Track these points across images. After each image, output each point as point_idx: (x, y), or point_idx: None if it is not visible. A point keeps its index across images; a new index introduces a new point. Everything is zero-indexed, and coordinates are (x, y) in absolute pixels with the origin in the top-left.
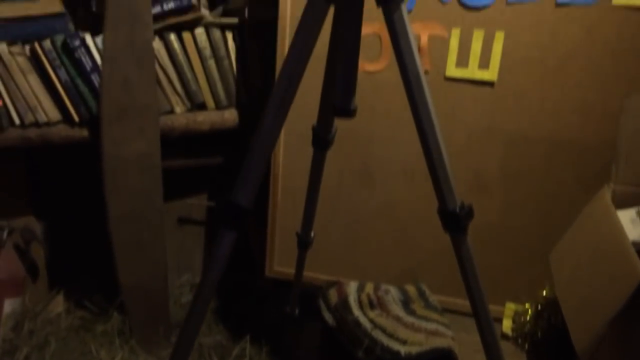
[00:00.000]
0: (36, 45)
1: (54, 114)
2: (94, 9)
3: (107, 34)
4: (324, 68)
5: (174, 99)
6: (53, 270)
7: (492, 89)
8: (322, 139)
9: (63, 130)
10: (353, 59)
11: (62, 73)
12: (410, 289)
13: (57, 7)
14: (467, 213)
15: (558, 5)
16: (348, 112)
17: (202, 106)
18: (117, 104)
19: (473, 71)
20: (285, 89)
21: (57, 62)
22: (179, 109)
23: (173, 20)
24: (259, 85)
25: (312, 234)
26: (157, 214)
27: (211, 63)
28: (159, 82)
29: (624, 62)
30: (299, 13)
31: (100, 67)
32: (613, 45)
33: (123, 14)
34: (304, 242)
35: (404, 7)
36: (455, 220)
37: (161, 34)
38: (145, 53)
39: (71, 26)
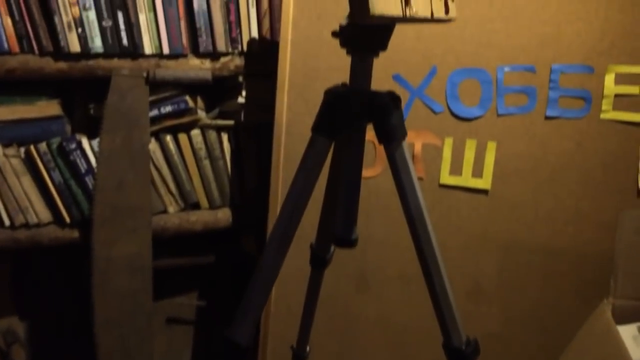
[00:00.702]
0: (32, 148)
1: (45, 215)
2: (91, 112)
3: (104, 137)
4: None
5: (167, 198)
6: None
7: (486, 197)
8: (320, 258)
9: (53, 232)
10: (354, 191)
11: (56, 175)
12: None
13: (55, 110)
14: (474, 350)
15: (547, 118)
16: (349, 242)
17: (195, 206)
18: (110, 205)
19: (467, 179)
20: (287, 225)
21: (52, 164)
22: (172, 208)
23: (170, 122)
24: (254, 186)
25: (308, 349)
26: (145, 316)
27: (206, 163)
28: (153, 182)
29: (614, 173)
30: (295, 117)
31: (95, 169)
32: (603, 157)
33: (121, 118)
34: (299, 358)
35: (405, 145)
36: (461, 358)
37: (157, 135)
38: (141, 155)
39: (68, 128)
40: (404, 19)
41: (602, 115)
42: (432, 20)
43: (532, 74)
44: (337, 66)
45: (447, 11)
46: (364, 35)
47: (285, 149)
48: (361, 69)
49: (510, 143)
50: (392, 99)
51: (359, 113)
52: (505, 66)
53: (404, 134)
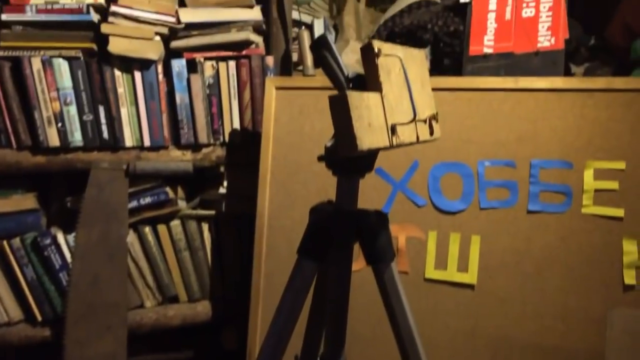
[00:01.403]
0: (4, 244)
1: (16, 313)
2: (68, 205)
3: (80, 231)
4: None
5: (144, 292)
6: None
7: (473, 292)
8: None
9: (24, 330)
10: (342, 314)
11: (29, 271)
12: None
13: (31, 204)
14: None
15: (530, 212)
16: None
17: (174, 299)
18: (84, 301)
19: (452, 274)
20: (275, 346)
21: (25, 260)
22: (149, 302)
23: (149, 214)
24: (235, 279)
25: None
26: None
27: (185, 255)
28: (130, 275)
29: (600, 268)
30: (277, 210)
31: (70, 265)
32: (587, 252)
33: (99, 211)
34: None
35: (394, 266)
36: None
37: (136, 226)
38: (118, 249)
39: (44, 221)
40: (391, 147)
41: (584, 210)
42: (417, 142)
43: (512, 168)
44: None
45: (431, 133)
46: (350, 160)
47: (268, 242)
48: (347, 190)
49: (495, 237)
50: (379, 219)
51: (346, 234)
52: (486, 161)
53: (392, 255)
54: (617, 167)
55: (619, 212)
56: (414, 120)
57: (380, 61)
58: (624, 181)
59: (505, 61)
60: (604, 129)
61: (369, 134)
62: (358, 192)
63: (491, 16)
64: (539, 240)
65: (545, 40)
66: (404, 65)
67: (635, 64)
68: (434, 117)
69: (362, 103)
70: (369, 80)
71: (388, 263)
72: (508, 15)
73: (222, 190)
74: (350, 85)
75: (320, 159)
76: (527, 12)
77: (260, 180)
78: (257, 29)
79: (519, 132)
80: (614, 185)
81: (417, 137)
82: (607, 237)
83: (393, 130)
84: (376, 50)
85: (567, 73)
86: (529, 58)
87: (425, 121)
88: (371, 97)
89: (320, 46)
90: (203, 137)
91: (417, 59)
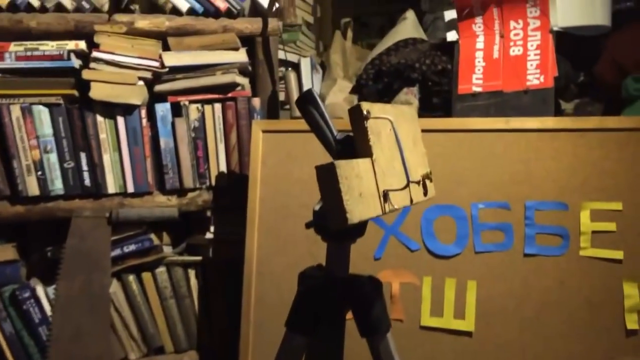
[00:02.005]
0: None
1: None
2: (49, 255)
3: (61, 283)
4: None
5: (129, 344)
6: None
7: (470, 339)
8: None
9: None
10: None
11: (7, 326)
12: None
13: (10, 255)
14: None
15: (526, 255)
16: None
17: (159, 350)
18: (66, 356)
19: (449, 321)
20: None
21: (3, 314)
22: (134, 355)
23: (133, 262)
24: (223, 327)
25: None
26: None
27: (171, 303)
28: (113, 327)
29: (601, 313)
30: (266, 256)
31: (50, 319)
32: (587, 296)
33: (80, 261)
34: None
35: (390, 337)
36: None
37: (119, 275)
38: (101, 300)
39: (23, 272)
40: (383, 214)
41: (582, 253)
42: (411, 205)
43: (507, 210)
44: (308, 203)
45: (425, 193)
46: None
47: (257, 289)
48: (338, 256)
49: (491, 282)
50: (373, 287)
51: (338, 304)
52: (479, 203)
53: (388, 326)
54: (614, 208)
55: (618, 254)
56: (407, 186)
57: (370, 124)
58: (621, 222)
59: (494, 100)
60: (598, 169)
61: (360, 204)
62: (349, 257)
63: (479, 55)
64: (537, 284)
65: (534, 78)
66: (395, 127)
67: (627, 102)
68: (428, 176)
69: (352, 172)
70: (358, 145)
71: (383, 334)
72: (496, 54)
73: (209, 235)
74: (339, 147)
75: (308, 225)
76: (515, 51)
77: (248, 225)
78: (242, 70)
79: (512, 173)
80: (611, 226)
81: (411, 200)
82: (606, 280)
83: (385, 197)
84: (365, 112)
85: (557, 109)
86: (518, 96)
87: (418, 182)
88: (361, 164)
89: (306, 102)
90: (189, 181)
91: (407, 116)
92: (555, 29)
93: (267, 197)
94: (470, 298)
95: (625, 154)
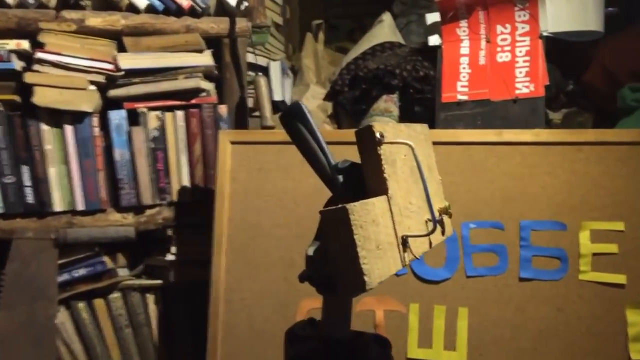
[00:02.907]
0: None
1: None
2: None
3: (1, 314)
4: None
5: None
6: None
7: None
8: None
9: None
10: None
11: None
12: None
13: None
14: None
15: (522, 279)
16: None
17: None
18: None
19: (438, 353)
20: None
21: None
22: None
23: (84, 288)
24: (187, 356)
25: None
26: None
27: (127, 332)
28: None
29: (602, 342)
30: (235, 281)
31: None
32: (588, 323)
33: (22, 289)
34: None
35: None
36: None
37: (68, 303)
38: (46, 332)
39: None
40: (403, 267)
41: (581, 277)
42: (430, 249)
43: (500, 230)
44: (282, 223)
45: (443, 232)
46: None
47: (224, 318)
48: (338, 312)
49: (484, 309)
50: (380, 350)
51: None
52: (470, 222)
53: None
54: (616, 228)
55: (621, 279)
56: (434, 230)
57: (384, 150)
58: (623, 244)
59: (481, 109)
60: (597, 185)
61: (379, 260)
62: (351, 313)
63: (464, 60)
64: (533, 311)
65: (523, 86)
66: (416, 154)
67: (623, 113)
68: (446, 211)
69: (367, 218)
70: (369, 178)
71: None
72: (482, 60)
73: (170, 256)
74: (339, 178)
75: (302, 278)
76: (503, 57)
77: (215, 246)
78: (208, 75)
79: (505, 189)
80: (613, 248)
81: (430, 244)
82: (608, 306)
83: (405, 244)
84: (378, 136)
85: (545, 119)
86: (506, 106)
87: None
88: (377, 205)
89: (293, 118)
90: (147, 197)
91: (421, 137)
92: (545, 34)
93: (236, 215)
94: (461, 327)
95: (626, 170)
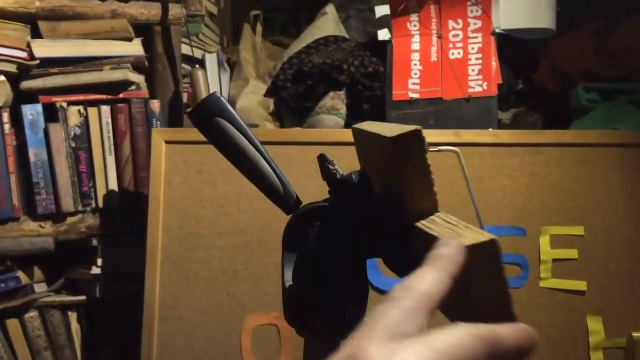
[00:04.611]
0: None
1: None
2: None
3: None
4: None
5: None
6: None
7: None
8: None
9: None
10: None
11: None
12: None
13: None
14: None
15: None
16: None
17: None
18: None
19: None
20: None
21: None
22: None
23: None
24: None
25: None
26: None
27: (47, 356)
28: None
29: (564, 351)
30: (172, 298)
31: None
32: (549, 333)
33: None
34: None
35: None
36: None
37: None
38: None
39: None
40: None
41: (542, 284)
42: None
43: None
44: (224, 232)
45: None
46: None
47: (160, 339)
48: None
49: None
50: None
51: None
52: None
53: None
54: (576, 233)
55: (582, 285)
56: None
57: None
58: (584, 249)
59: (434, 108)
60: (557, 189)
61: None
62: None
63: (415, 57)
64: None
65: (476, 85)
66: (462, 162)
67: (577, 114)
68: None
69: None
70: (414, 193)
71: None
72: (434, 57)
73: (96, 269)
74: (337, 190)
75: (294, 324)
76: (455, 54)
77: (148, 258)
78: (137, 66)
79: (464, 194)
80: (573, 254)
81: None
82: (570, 315)
83: None
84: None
85: None
86: (460, 105)
87: None
88: None
89: (211, 114)
90: (68, 203)
91: None
92: (497, 31)
93: (172, 224)
94: None
95: (585, 173)
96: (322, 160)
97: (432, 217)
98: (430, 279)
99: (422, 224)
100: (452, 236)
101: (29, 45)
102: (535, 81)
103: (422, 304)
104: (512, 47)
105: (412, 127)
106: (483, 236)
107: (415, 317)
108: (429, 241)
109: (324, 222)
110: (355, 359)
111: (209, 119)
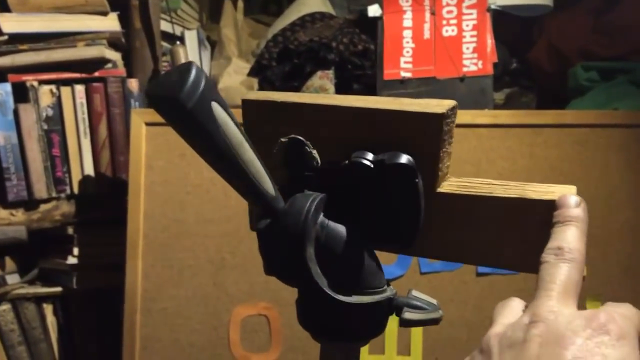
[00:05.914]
0: None
1: None
2: None
3: None
4: None
5: None
6: None
7: None
8: None
9: None
10: None
11: None
12: None
13: None
14: None
15: (480, 274)
16: None
17: None
18: None
19: (391, 358)
20: None
21: None
22: None
23: None
24: None
25: None
26: None
27: (21, 350)
28: None
29: None
30: (154, 288)
31: None
32: None
33: None
34: None
35: None
36: None
37: None
38: None
39: None
40: None
41: None
42: None
43: None
44: (210, 218)
45: None
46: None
47: (143, 332)
48: None
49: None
50: None
51: None
52: None
53: None
54: None
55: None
56: None
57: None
58: None
59: (426, 88)
60: (556, 171)
61: None
62: None
63: (407, 34)
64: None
65: (471, 64)
66: None
67: (574, 93)
68: None
69: None
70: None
71: None
72: (427, 34)
73: (72, 259)
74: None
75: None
76: (449, 31)
77: (129, 247)
78: (113, 42)
79: (460, 176)
80: None
81: None
82: None
83: None
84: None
85: None
86: (453, 84)
87: None
88: None
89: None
90: (41, 189)
91: None
92: (493, 7)
93: (154, 210)
94: (415, 329)
95: (585, 155)
96: (301, 145)
97: (449, 182)
98: (577, 237)
99: (455, 188)
100: (523, 193)
101: None
102: (530, 60)
103: (583, 260)
104: (505, 24)
105: (443, 101)
106: (565, 188)
107: (581, 273)
108: (490, 205)
109: (330, 215)
110: (540, 318)
111: (204, 104)
